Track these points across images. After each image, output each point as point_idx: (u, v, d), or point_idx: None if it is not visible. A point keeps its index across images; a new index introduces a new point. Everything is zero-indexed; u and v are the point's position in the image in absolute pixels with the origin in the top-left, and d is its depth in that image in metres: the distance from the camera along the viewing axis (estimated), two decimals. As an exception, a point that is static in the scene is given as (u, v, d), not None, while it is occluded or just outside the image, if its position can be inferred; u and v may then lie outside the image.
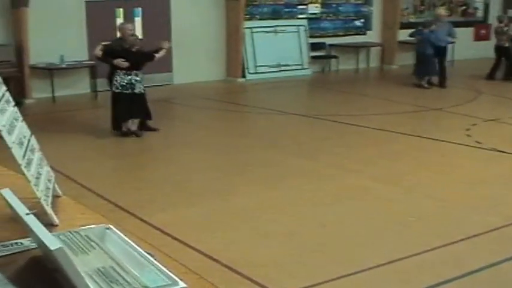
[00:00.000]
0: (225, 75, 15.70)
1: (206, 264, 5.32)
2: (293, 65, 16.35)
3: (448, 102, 13.10)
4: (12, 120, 2.44)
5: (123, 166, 8.84)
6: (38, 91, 12.79)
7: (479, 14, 20.32)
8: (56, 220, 2.37)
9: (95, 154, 9.16)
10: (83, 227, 2.17)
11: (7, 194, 2.07)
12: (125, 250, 2.00)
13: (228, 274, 5.20)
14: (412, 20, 17.96)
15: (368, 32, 18.01)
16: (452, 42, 15.26)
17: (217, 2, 15.30)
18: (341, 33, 17.56)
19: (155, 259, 1.93)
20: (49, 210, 2.36)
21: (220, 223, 6.45)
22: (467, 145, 9.50)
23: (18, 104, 3.18)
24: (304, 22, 16.78)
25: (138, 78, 9.56)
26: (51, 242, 1.65)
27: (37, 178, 2.42)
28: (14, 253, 2.08)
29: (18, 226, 2.05)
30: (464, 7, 19.95)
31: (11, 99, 2.55)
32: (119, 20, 13.60)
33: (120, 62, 9.44)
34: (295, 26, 16.61)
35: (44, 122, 10.93)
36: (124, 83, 9.48)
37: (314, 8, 17.05)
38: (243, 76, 15.65)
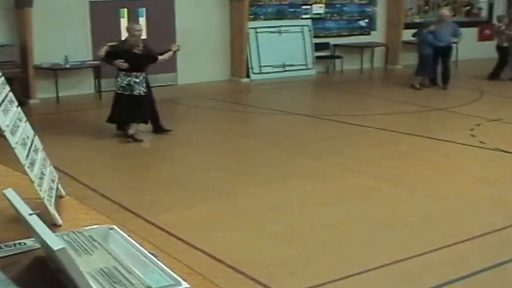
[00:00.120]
0: (230, 75, 15.69)
1: (210, 265, 5.32)
2: (297, 65, 16.34)
3: (452, 102, 13.07)
4: (16, 121, 2.44)
5: (127, 166, 8.84)
6: (42, 91, 12.81)
7: (484, 14, 20.28)
8: (59, 220, 2.37)
9: (99, 154, 9.17)
10: (86, 228, 2.17)
11: (10, 194, 2.07)
12: (128, 250, 2.00)
13: (232, 274, 5.20)
14: (417, 20, 17.93)
15: (372, 32, 17.99)
16: (455, 43, 15.20)
17: (221, 2, 15.30)
18: (345, 34, 17.54)
19: (158, 259, 1.93)
20: (52, 210, 2.36)
21: (225, 223, 6.45)
22: (471, 145, 9.47)
23: (22, 104, 3.18)
24: (309, 22, 16.76)
25: (137, 80, 9.47)
26: (54, 242, 1.65)
27: (40, 178, 2.42)
28: (17, 253, 2.08)
29: (22, 226, 2.04)
30: (468, 7, 19.92)
31: (14, 99, 2.55)
32: (123, 20, 13.64)
33: (120, 63, 9.44)
34: (300, 26, 16.59)
35: (48, 122, 10.95)
36: (124, 84, 9.46)
37: (318, 8, 17.03)
38: (247, 76, 15.64)
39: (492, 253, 5.66)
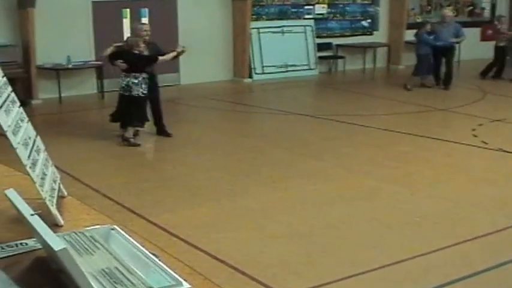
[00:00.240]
0: (232, 75, 15.70)
1: (212, 265, 5.33)
2: (300, 65, 16.33)
3: (454, 102, 13.07)
4: (18, 121, 2.44)
5: (129, 166, 8.84)
6: (44, 92, 12.82)
7: (486, 14, 20.26)
8: (60, 221, 2.37)
9: (101, 155, 9.18)
10: (88, 228, 2.17)
11: (12, 194, 2.07)
12: (129, 251, 2.00)
13: (234, 275, 5.20)
14: (419, 20, 17.91)
15: (375, 32, 17.99)
16: (456, 43, 15.16)
17: (224, 3, 15.30)
18: (348, 34, 17.53)
19: (159, 260, 1.93)
20: (54, 210, 2.37)
21: (227, 223, 6.45)
22: (473, 145, 9.47)
23: (25, 104, 3.19)
24: (311, 22, 16.76)
25: (136, 81, 9.35)
26: (56, 242, 1.65)
27: (42, 179, 2.42)
28: (18, 254, 2.09)
29: (23, 227, 2.05)
30: (471, 7, 19.90)
31: (16, 99, 2.55)
32: (126, 21, 13.64)
33: (119, 63, 9.44)
34: (302, 27, 16.59)
35: (51, 122, 10.97)
36: (123, 85, 9.43)
37: (321, 8, 17.02)
38: (250, 76, 15.64)
39: (494, 253, 5.65)
